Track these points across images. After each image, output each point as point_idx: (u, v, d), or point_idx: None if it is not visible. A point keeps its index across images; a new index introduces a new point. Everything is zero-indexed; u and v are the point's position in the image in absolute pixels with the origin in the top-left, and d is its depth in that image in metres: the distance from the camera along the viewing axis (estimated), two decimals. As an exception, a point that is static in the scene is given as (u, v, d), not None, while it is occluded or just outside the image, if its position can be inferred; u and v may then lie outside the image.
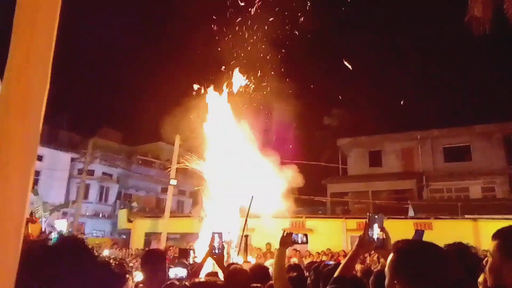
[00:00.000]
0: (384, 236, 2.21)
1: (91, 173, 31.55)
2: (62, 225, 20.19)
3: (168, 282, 3.25)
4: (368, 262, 14.06)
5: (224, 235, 4.00)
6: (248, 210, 10.37)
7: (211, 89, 12.59)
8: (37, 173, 29.71)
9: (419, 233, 4.20)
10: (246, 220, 10.28)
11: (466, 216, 17.78)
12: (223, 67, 12.65)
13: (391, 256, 1.63)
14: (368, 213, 2.29)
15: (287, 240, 3.51)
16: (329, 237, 18.65)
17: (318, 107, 29.96)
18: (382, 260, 2.30)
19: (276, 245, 3.52)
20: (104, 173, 35.24)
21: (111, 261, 1.07)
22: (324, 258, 15.61)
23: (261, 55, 13.21)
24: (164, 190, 29.47)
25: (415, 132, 26.60)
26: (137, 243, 21.75)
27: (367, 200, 24.42)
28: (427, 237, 4.26)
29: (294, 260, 14.97)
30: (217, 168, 11.97)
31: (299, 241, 19.39)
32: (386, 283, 1.64)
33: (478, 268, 2.47)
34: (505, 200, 20.83)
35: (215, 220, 11.27)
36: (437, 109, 41.36)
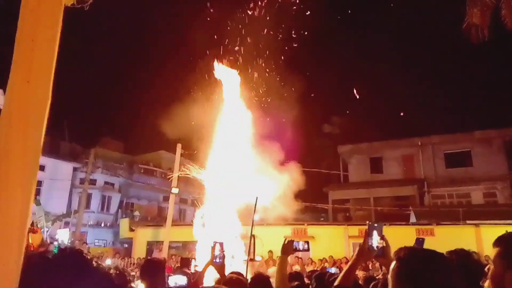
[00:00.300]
0: (384, 244, 2.21)
1: (93, 182, 31.58)
2: (64, 235, 20.19)
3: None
4: (370, 269, 14.02)
5: (225, 244, 4.00)
6: (254, 210, 10.38)
7: (213, 95, 12.65)
8: (39, 183, 29.72)
9: (419, 241, 4.18)
10: (252, 220, 10.28)
11: (468, 222, 17.70)
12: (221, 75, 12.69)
13: (393, 264, 1.63)
14: (367, 222, 2.30)
15: (288, 247, 3.50)
16: (331, 244, 18.57)
17: (318, 115, 30.02)
18: (384, 268, 2.30)
19: (278, 253, 3.52)
20: (106, 183, 35.25)
21: (112, 270, 1.07)
22: (326, 265, 15.55)
23: (262, 64, 13.26)
24: (166, 199, 29.48)
25: (416, 139, 26.59)
26: (139, 252, 21.67)
27: (368, 206, 24.35)
28: (429, 243, 4.24)
29: (297, 267, 14.92)
30: (217, 176, 11.99)
31: (301, 248, 19.33)
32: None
33: (481, 275, 2.47)
34: (507, 206, 20.75)
35: (215, 228, 11.27)
36: (437, 115, 41.40)
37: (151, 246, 21.95)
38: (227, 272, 4.13)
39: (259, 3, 13.33)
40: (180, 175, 17.32)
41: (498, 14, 13.16)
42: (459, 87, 44.29)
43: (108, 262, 18.12)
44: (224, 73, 12.64)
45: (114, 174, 33.97)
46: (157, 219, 30.72)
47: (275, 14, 13.61)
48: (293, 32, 14.34)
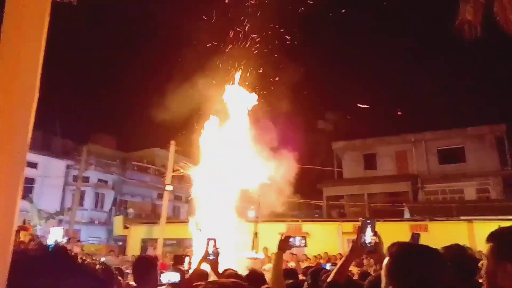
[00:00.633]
0: (377, 240, 2.22)
1: (86, 180, 31.36)
2: (57, 233, 20.03)
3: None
4: (365, 264, 14.08)
5: (218, 241, 4.00)
6: (258, 209, 10.45)
7: (207, 92, 12.61)
8: (32, 181, 29.52)
9: (415, 236, 4.20)
10: (257, 219, 10.37)
11: (461, 217, 17.87)
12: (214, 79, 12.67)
13: (386, 260, 1.63)
14: (360, 218, 2.31)
15: (285, 244, 3.49)
16: (326, 240, 18.65)
17: (312, 111, 30.04)
18: (378, 264, 2.31)
19: (272, 249, 3.51)
20: (99, 180, 35.06)
21: (98, 266, 1.05)
22: (321, 261, 15.60)
23: (258, 61, 13.24)
24: (160, 196, 29.37)
25: (409, 135, 26.73)
26: (133, 249, 21.64)
27: (362, 203, 24.46)
28: (422, 239, 4.26)
29: (292, 264, 14.94)
30: (210, 173, 11.98)
31: (298, 244, 19.36)
32: (382, 287, 1.64)
33: (476, 270, 2.48)
34: (499, 201, 20.95)
35: (208, 225, 11.28)
36: (430, 111, 41.60)
37: (145, 243, 21.92)
38: (221, 269, 4.14)
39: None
40: (175, 173, 17.30)
41: (491, 10, 13.22)
42: (452, 83, 44.55)
43: (102, 260, 18.04)
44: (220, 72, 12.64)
45: (108, 171, 33.79)
46: (151, 217, 30.62)
47: (269, 10, 13.57)
48: (286, 28, 14.32)
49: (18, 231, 16.86)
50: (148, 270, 3.24)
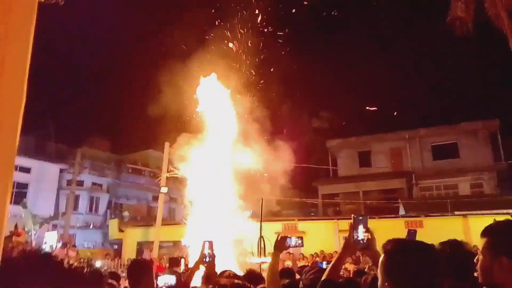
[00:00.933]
0: (370, 237, 2.21)
1: (80, 183, 31.20)
2: (52, 238, 19.93)
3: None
4: (361, 262, 14.12)
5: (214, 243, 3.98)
6: (261, 212, 10.49)
7: (199, 93, 12.60)
8: (25, 186, 29.32)
9: (411, 233, 4.22)
10: (260, 222, 10.38)
11: (456, 212, 17.96)
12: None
13: (381, 257, 1.63)
14: (352, 215, 2.30)
15: (281, 244, 3.48)
16: (322, 238, 18.67)
17: (306, 110, 30.06)
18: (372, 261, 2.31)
19: (269, 249, 3.50)
20: (93, 183, 34.87)
21: (85, 268, 1.03)
22: (317, 260, 15.62)
23: (248, 61, 13.25)
24: (155, 198, 29.28)
25: (403, 132, 26.84)
26: (129, 252, 21.52)
27: (358, 200, 24.53)
28: (418, 235, 4.29)
29: (288, 263, 14.95)
30: (204, 175, 11.96)
31: (294, 244, 19.35)
32: (379, 284, 1.63)
33: (474, 265, 2.48)
34: (493, 196, 21.09)
35: (203, 226, 11.26)
36: (424, 108, 41.81)
37: (141, 246, 21.80)
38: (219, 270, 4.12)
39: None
40: (169, 175, 17.24)
41: (482, 7, 13.32)
42: (444, 80, 44.81)
43: (98, 264, 17.95)
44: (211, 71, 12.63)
45: (102, 174, 33.63)
46: (147, 219, 30.50)
47: (261, 10, 13.58)
48: (279, 28, 14.36)
49: (10, 237, 16.75)
50: (143, 273, 3.21)
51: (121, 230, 24.27)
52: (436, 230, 13.71)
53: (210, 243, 3.90)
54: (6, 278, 0.87)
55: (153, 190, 29.72)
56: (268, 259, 14.02)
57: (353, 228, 2.22)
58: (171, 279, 3.44)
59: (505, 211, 15.06)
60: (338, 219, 20.38)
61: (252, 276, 3.96)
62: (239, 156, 11.99)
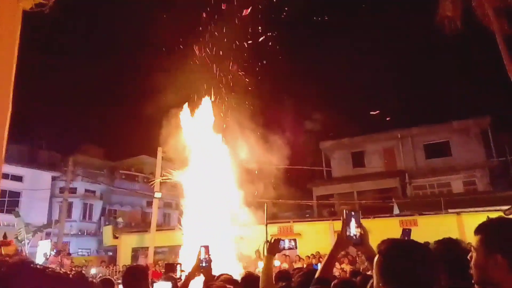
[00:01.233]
0: (362, 232, 2.21)
1: (73, 191, 30.96)
2: (46, 246, 19.68)
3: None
4: (358, 262, 14.15)
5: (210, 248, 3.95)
6: (266, 216, 10.50)
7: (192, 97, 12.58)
8: (18, 195, 29.05)
9: (406, 232, 4.21)
10: (266, 226, 10.38)
11: (449, 210, 18.04)
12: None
13: (376, 258, 1.62)
14: (344, 210, 2.30)
15: (275, 246, 3.44)
16: (318, 240, 18.66)
17: (299, 113, 30.15)
18: (364, 256, 2.30)
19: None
20: (87, 190, 34.64)
21: (71, 273, 1.01)
22: (313, 261, 15.63)
23: (239, 65, 13.28)
24: (150, 204, 29.11)
25: (396, 131, 26.97)
26: (124, 259, 21.36)
27: (352, 201, 24.59)
28: (412, 234, 4.29)
29: (285, 265, 14.94)
30: (198, 179, 11.93)
31: (288, 247, 19.34)
32: (374, 284, 1.63)
33: (469, 263, 2.49)
34: (486, 193, 21.24)
35: (198, 231, 11.22)
36: (415, 107, 42.10)
37: (136, 252, 21.66)
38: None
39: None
40: (162, 180, 17.16)
41: (470, 6, 13.46)
42: (435, 78, 45.13)
43: (93, 271, 17.79)
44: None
45: (95, 181, 33.39)
46: (141, 225, 30.32)
47: (251, 14, 13.62)
48: (270, 32, 14.40)
49: (-1, 247, 16.46)
50: (138, 280, 3.17)
51: (115, 237, 24.09)
52: (430, 229, 13.80)
53: (206, 247, 3.87)
54: None
55: (147, 196, 29.55)
56: (277, 262, 14.03)
57: (345, 224, 2.21)
58: (167, 286, 3.41)
59: (498, 208, 15.15)
60: (333, 219, 20.38)
61: (250, 279, 3.94)
62: (233, 160, 11.98)
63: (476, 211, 16.12)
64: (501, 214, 13.24)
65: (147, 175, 34.46)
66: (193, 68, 12.76)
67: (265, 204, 10.19)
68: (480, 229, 1.61)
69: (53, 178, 32.59)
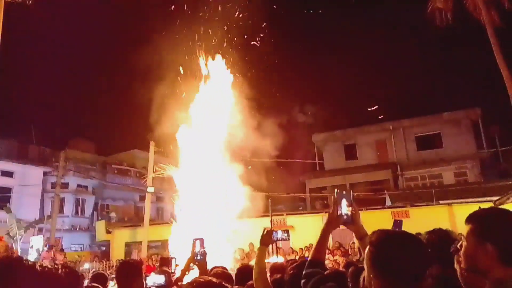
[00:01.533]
0: (353, 211, 2.21)
1: (65, 186, 30.74)
2: (38, 242, 19.57)
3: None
4: (350, 254, 14.27)
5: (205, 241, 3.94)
6: (270, 211, 10.60)
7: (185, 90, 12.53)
8: (9, 190, 28.83)
9: (397, 223, 4.25)
10: (271, 220, 10.45)
11: (441, 202, 18.20)
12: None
13: (367, 249, 1.63)
14: (335, 189, 2.30)
15: (267, 238, 3.45)
16: (311, 232, 18.68)
17: (291, 105, 30.15)
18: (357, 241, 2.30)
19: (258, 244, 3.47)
20: (78, 185, 34.44)
21: (60, 270, 1.00)
22: (306, 254, 15.70)
23: (229, 58, 13.23)
24: (142, 198, 29.05)
25: (387, 123, 27.12)
26: (117, 254, 21.31)
27: (345, 193, 24.69)
28: (404, 225, 4.32)
29: (280, 258, 14.99)
30: (191, 173, 11.92)
31: (280, 238, 19.40)
32: (365, 275, 1.64)
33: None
34: (477, 184, 21.45)
35: (191, 225, 11.23)
36: (406, 99, 42.30)
37: (130, 247, 21.63)
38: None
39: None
40: (155, 175, 17.12)
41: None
42: (426, 70, 45.34)
43: (86, 266, 17.74)
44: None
45: (87, 176, 33.17)
46: (134, 220, 30.24)
47: (244, 8, 13.55)
48: (263, 24, 14.35)
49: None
50: (132, 275, 3.16)
51: (108, 232, 24.01)
52: (422, 220, 13.92)
53: (201, 240, 3.86)
54: None
55: (140, 190, 29.46)
56: (281, 258, 14.12)
57: (336, 203, 2.21)
58: (160, 279, 3.40)
59: (488, 198, 15.33)
60: (326, 212, 20.48)
61: (245, 271, 3.95)
62: (225, 153, 11.96)
63: (467, 202, 16.27)
64: (491, 204, 13.42)
65: (139, 170, 34.34)
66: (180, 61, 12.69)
67: (269, 199, 10.31)
68: (471, 219, 1.63)
69: (44, 174, 32.35)
